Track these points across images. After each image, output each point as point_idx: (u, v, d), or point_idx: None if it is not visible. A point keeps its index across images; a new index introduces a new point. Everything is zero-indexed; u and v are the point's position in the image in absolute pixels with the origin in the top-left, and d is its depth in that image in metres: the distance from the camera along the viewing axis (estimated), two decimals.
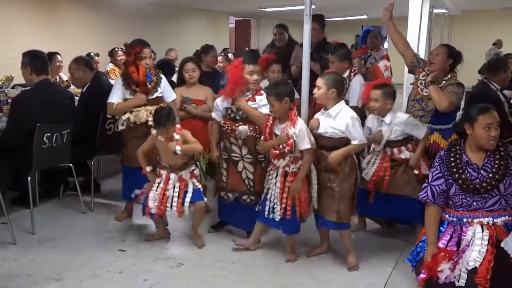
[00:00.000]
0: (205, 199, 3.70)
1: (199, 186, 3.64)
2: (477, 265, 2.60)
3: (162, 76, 4.07)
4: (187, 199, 3.55)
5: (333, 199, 3.32)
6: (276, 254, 3.61)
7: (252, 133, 3.56)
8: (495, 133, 2.70)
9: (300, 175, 3.30)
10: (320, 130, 3.32)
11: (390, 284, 3.22)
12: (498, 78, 4.27)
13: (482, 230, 2.70)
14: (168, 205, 3.54)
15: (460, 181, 2.75)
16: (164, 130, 3.43)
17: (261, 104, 3.54)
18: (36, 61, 4.06)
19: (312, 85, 3.46)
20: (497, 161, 2.72)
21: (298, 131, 3.24)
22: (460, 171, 2.76)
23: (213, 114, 3.73)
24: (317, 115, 3.41)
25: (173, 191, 3.55)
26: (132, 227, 4.08)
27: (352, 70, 4.24)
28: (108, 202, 4.58)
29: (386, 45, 16.33)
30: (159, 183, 3.58)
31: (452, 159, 2.82)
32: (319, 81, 3.31)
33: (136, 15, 10.52)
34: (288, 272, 3.38)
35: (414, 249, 2.99)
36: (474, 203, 2.76)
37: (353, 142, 3.27)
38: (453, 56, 3.66)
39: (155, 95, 3.94)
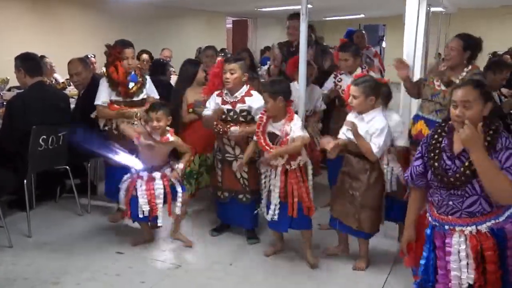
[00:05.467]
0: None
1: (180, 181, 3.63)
2: (470, 282, 2.41)
3: (147, 77, 4.10)
4: (179, 199, 3.54)
5: (354, 206, 3.27)
6: (274, 255, 3.60)
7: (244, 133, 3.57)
8: (457, 113, 2.38)
9: (281, 149, 3.23)
10: (351, 134, 3.21)
11: (388, 284, 3.22)
12: (487, 79, 4.26)
13: (465, 241, 2.43)
14: (159, 204, 3.51)
15: (432, 168, 2.51)
16: (154, 115, 3.40)
17: (254, 108, 3.53)
18: (29, 63, 4.04)
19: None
20: None
21: (295, 125, 3.23)
22: (436, 156, 2.50)
23: (206, 113, 3.69)
24: (350, 117, 3.30)
25: (160, 189, 3.52)
26: (130, 229, 4.05)
27: (364, 67, 4.21)
28: (105, 204, 4.55)
29: (384, 44, 16.46)
30: (140, 186, 3.52)
31: (433, 141, 2.56)
32: (355, 90, 3.18)
33: (132, 16, 10.49)
34: (286, 273, 3.36)
35: None
36: (450, 203, 2.47)
37: (371, 146, 3.16)
38: (470, 48, 3.53)
39: (141, 96, 3.95)
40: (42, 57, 6.06)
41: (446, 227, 2.49)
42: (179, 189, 3.56)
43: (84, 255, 3.59)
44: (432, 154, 2.53)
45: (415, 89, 3.87)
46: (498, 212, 2.41)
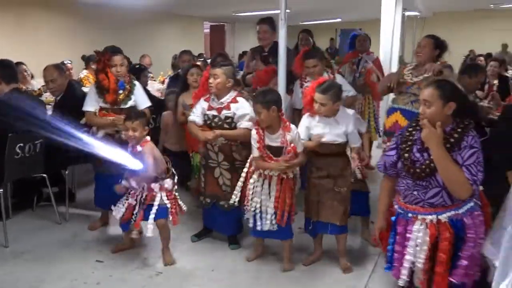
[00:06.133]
0: (171, 217, 3.48)
1: (167, 202, 3.43)
2: (420, 266, 2.63)
3: (136, 83, 4.02)
4: (151, 216, 3.39)
5: (340, 203, 3.31)
6: (256, 260, 3.59)
7: (226, 141, 3.55)
8: (420, 110, 2.61)
9: (297, 161, 3.25)
10: (330, 138, 3.26)
11: (370, 286, 3.24)
12: (462, 82, 4.35)
13: (425, 229, 2.61)
14: (134, 215, 3.45)
15: (402, 158, 2.69)
16: (130, 124, 3.35)
17: (238, 115, 3.51)
18: (5, 70, 3.99)
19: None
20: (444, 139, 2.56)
21: (295, 135, 3.23)
22: (407, 148, 2.68)
23: (192, 117, 3.66)
24: (313, 123, 3.32)
25: (140, 200, 3.44)
26: (109, 237, 4.00)
27: (327, 71, 4.22)
28: (83, 212, 4.49)
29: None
30: (130, 192, 3.49)
31: (407, 133, 2.75)
32: (322, 98, 3.19)
33: (109, 21, 10.42)
34: (268, 278, 3.36)
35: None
36: (415, 193, 2.65)
37: (354, 145, 3.36)
38: (439, 47, 3.80)
39: (129, 103, 3.88)
40: (18, 64, 5.97)
41: (410, 215, 2.69)
42: (156, 202, 3.42)
43: (63, 264, 3.53)
44: (404, 146, 2.71)
45: (384, 90, 4.07)
46: (458, 205, 2.59)
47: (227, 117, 3.53)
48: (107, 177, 3.81)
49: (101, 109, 3.86)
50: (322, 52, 4.29)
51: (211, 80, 3.50)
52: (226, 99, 3.55)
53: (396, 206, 2.81)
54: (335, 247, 3.50)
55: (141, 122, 3.40)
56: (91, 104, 3.86)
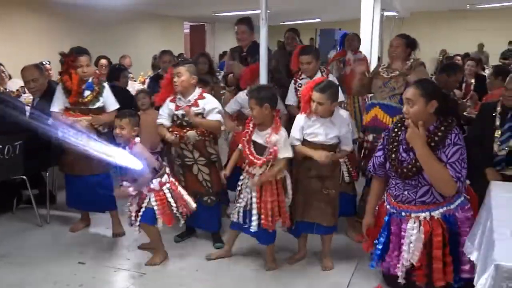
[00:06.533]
0: (159, 224, 3.45)
1: (154, 205, 3.39)
2: (414, 263, 2.71)
3: (105, 85, 3.98)
4: (138, 219, 3.42)
5: (328, 204, 3.32)
6: (240, 259, 3.61)
7: (200, 137, 3.57)
8: (404, 109, 2.72)
9: (271, 172, 3.21)
10: (324, 139, 3.24)
11: (353, 284, 3.27)
12: (441, 80, 4.43)
13: (419, 226, 2.69)
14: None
15: (390, 159, 2.78)
16: (118, 122, 3.35)
17: (207, 109, 3.54)
18: None
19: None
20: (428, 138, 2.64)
21: (281, 138, 3.22)
22: (394, 149, 2.77)
23: (160, 120, 3.67)
24: (308, 123, 3.28)
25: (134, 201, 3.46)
26: (91, 238, 3.98)
27: (323, 71, 4.17)
28: (64, 214, 4.44)
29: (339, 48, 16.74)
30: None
31: (393, 134, 2.83)
32: (320, 97, 3.15)
33: (88, 22, 10.30)
34: (252, 277, 3.37)
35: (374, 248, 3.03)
36: (406, 192, 2.74)
37: (345, 148, 3.33)
38: (410, 45, 3.86)
39: (97, 105, 3.85)
40: None
41: (403, 213, 2.76)
42: (144, 203, 3.41)
43: (44, 266, 3.49)
44: (391, 146, 2.79)
45: (364, 88, 4.13)
46: (450, 201, 2.68)
47: (196, 114, 3.54)
48: (75, 178, 3.87)
49: (67, 109, 3.83)
50: (317, 51, 4.24)
51: (175, 79, 3.52)
52: (193, 96, 3.57)
53: (388, 206, 2.86)
54: (320, 246, 3.53)
55: (130, 120, 3.38)
56: (57, 104, 3.86)
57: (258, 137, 3.30)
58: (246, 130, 3.37)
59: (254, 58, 4.33)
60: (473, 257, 2.43)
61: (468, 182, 2.86)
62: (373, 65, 5.76)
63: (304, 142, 3.31)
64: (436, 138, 2.62)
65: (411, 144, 2.66)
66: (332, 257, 3.51)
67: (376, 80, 3.91)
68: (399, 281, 2.80)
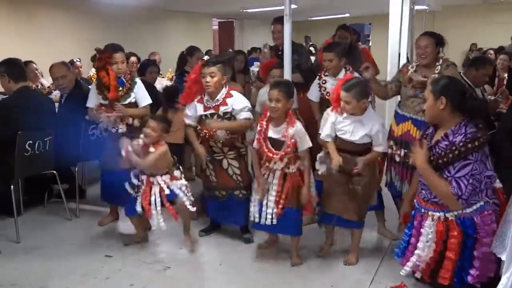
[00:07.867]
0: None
1: (178, 184, 3.56)
2: (427, 260, 2.74)
3: (138, 80, 4.04)
4: (159, 204, 3.51)
5: (356, 200, 3.30)
6: (263, 253, 3.62)
7: (229, 135, 3.58)
8: (423, 105, 2.79)
9: (307, 180, 3.30)
10: (351, 137, 3.22)
11: (376, 280, 3.24)
12: (469, 75, 4.32)
13: (435, 225, 2.70)
14: (153, 211, 3.51)
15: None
16: (151, 122, 3.48)
17: (236, 109, 3.54)
18: (13, 69, 4.04)
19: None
20: (448, 148, 2.58)
21: (299, 130, 3.24)
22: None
23: (188, 121, 3.70)
24: (339, 119, 3.27)
25: (155, 197, 3.51)
26: (119, 232, 4.05)
27: (348, 68, 4.07)
28: (93, 208, 4.55)
29: (371, 43, 16.56)
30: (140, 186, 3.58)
31: (427, 130, 2.85)
32: (345, 96, 3.14)
33: (117, 19, 10.45)
34: (275, 271, 3.38)
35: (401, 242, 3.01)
36: (423, 191, 2.77)
37: (377, 149, 3.27)
38: (440, 43, 3.59)
39: (128, 100, 3.91)
40: (28, 63, 6.03)
41: (423, 210, 2.79)
42: (177, 191, 3.54)
43: (72, 258, 3.58)
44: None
45: (381, 92, 3.83)
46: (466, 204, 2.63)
47: (225, 113, 3.55)
48: (112, 172, 3.89)
49: (100, 105, 3.90)
50: (342, 48, 4.11)
51: (208, 79, 3.47)
52: (221, 95, 3.55)
53: (415, 201, 2.90)
54: (344, 242, 3.51)
55: (162, 126, 3.50)
56: (93, 101, 3.94)
57: (274, 133, 3.31)
58: (259, 128, 3.36)
59: (292, 58, 4.32)
60: (504, 257, 2.38)
61: (499, 185, 2.79)
62: (401, 61, 5.66)
63: (337, 138, 3.31)
64: (457, 152, 2.54)
65: (412, 160, 2.75)
66: (359, 253, 3.48)
67: (405, 88, 3.65)
68: (401, 273, 2.89)
